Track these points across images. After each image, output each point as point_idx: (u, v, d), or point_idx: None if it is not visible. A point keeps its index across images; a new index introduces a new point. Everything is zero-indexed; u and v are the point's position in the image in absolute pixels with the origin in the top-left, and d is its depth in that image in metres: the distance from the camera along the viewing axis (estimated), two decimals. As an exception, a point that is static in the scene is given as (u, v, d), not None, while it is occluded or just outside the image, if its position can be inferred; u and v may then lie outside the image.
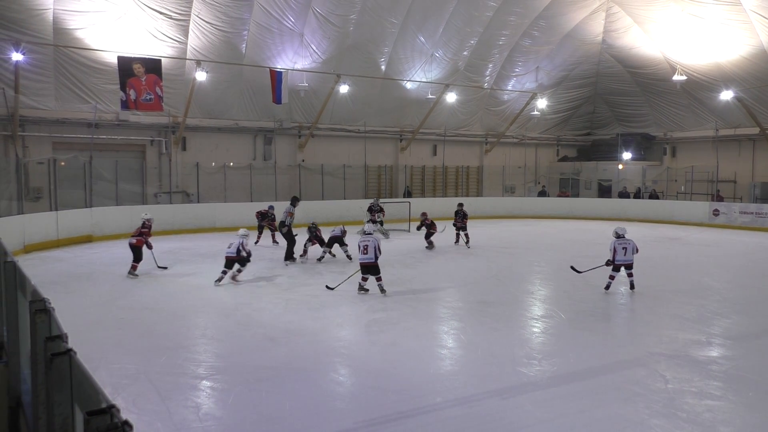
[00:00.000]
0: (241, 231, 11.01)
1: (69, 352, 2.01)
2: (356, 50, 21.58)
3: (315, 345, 7.25)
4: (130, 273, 11.35)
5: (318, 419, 5.11)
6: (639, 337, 7.82)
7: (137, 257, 11.37)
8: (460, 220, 16.42)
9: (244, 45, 19.76)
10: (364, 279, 9.83)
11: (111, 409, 1.53)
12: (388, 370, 6.36)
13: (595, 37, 24.89)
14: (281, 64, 20.41)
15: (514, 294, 10.37)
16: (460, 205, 17.09)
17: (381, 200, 19.71)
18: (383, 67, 22.65)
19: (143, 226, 11.75)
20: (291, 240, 13.25)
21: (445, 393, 5.71)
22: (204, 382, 6.04)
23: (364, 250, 9.60)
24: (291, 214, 13.55)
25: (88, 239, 16.32)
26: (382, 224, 18.62)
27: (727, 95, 22.83)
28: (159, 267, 12.15)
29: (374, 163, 25.13)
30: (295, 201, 14.15)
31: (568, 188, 29.27)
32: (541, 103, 26.27)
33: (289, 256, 13.19)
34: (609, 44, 25.14)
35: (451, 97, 24.06)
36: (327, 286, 10.15)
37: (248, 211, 20.13)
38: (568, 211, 25.33)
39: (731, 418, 5.25)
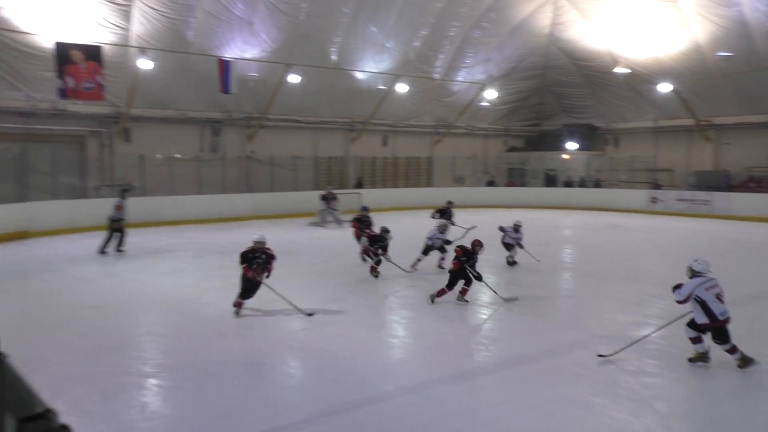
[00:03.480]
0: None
1: (0, 356, 1.94)
2: (307, 40, 21.33)
3: (266, 338, 7.21)
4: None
5: (270, 412, 5.09)
6: (582, 320, 8.10)
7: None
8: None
9: (191, 32, 19.23)
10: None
11: (47, 414, 1.47)
12: (340, 361, 6.38)
13: (543, 30, 25.40)
14: (230, 53, 19.99)
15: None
16: (450, 203, 15.42)
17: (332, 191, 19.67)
18: (334, 57, 22.50)
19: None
20: (118, 233, 12.99)
21: (397, 381, 5.78)
22: (150, 380, 5.90)
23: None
24: (119, 208, 13.04)
25: (22, 235, 15.55)
26: (333, 211, 18.69)
27: (665, 88, 23.75)
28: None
29: (325, 154, 25.01)
30: (123, 193, 13.67)
31: (516, 178, 29.95)
32: (490, 94, 26.69)
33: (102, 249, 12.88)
34: (556, 37, 25.71)
35: (402, 88, 24.14)
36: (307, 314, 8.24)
37: (197, 204, 19.79)
38: (516, 201, 25.88)
39: (665, 393, 5.54)
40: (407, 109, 26.29)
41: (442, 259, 11.07)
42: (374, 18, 21.92)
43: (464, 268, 8.58)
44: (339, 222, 18.55)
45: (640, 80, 24.87)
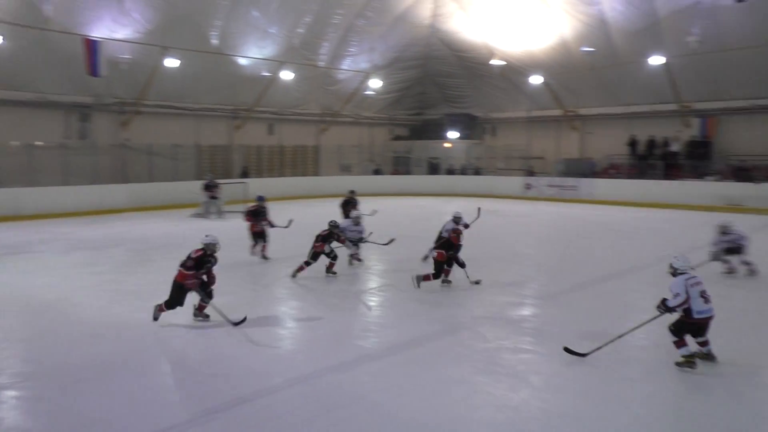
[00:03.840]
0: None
1: None
2: (185, 22, 20.15)
3: (145, 338, 6.80)
4: None
5: (149, 416, 4.81)
6: (463, 302, 8.46)
7: None
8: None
9: (48, 7, 17.48)
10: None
11: None
12: (225, 356, 6.18)
13: (424, 21, 25.98)
14: (97, 33, 18.45)
15: (352, 270, 10.61)
16: (352, 192, 14.78)
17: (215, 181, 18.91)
18: (215, 42, 21.55)
19: None
20: None
21: (285, 373, 5.71)
22: (7, 392, 5.34)
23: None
24: None
25: None
26: (216, 200, 18.04)
27: (537, 80, 25.32)
28: None
29: (208, 143, 24.01)
30: None
31: (401, 166, 30.63)
32: (375, 83, 26.98)
33: None
34: (437, 28, 26.42)
35: (287, 75, 23.71)
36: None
37: (63, 196, 18.21)
38: (402, 188, 26.51)
39: (540, 368, 5.94)
40: (293, 96, 25.88)
41: (356, 253, 10.69)
42: (256, 2, 21.25)
43: (450, 258, 9.05)
44: (220, 213, 17.92)
45: (515, 72, 26.29)
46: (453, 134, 29.91)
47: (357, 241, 10.58)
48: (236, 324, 6.95)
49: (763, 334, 7.15)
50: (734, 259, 9.70)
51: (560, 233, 15.93)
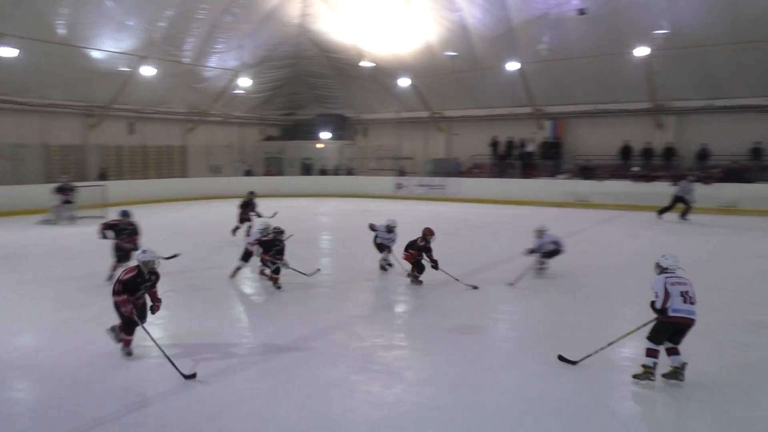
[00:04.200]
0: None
1: None
2: (23, 6, 18.13)
3: (-16, 362, 6.05)
4: None
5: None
6: (339, 303, 8.49)
7: None
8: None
9: None
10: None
11: None
12: (86, 374, 5.68)
13: (293, 20, 25.75)
14: None
15: (218, 276, 10.22)
16: (252, 193, 14.38)
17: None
18: (62, 32, 19.67)
19: None
20: None
21: (155, 386, 5.38)
22: None
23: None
24: None
25: None
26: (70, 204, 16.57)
27: (405, 82, 26.12)
28: None
29: (58, 142, 21.96)
30: None
31: (274, 167, 30.16)
32: (245, 82, 26.27)
33: None
34: (306, 28, 26.30)
35: (148, 71, 22.31)
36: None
37: None
38: (275, 190, 26.02)
39: (413, 363, 6.13)
40: (156, 94, 24.43)
41: (386, 259, 10.12)
42: (110, -9, 19.75)
43: (419, 260, 9.08)
44: (72, 219, 16.47)
45: (384, 74, 26.92)
46: (325, 135, 29.99)
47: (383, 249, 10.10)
48: (187, 377, 5.53)
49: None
50: (550, 261, 9.96)
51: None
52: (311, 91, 30.51)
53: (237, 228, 14.03)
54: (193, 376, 5.50)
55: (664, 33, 19.01)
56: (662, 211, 17.33)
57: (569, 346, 6.19)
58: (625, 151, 22.83)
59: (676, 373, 5.36)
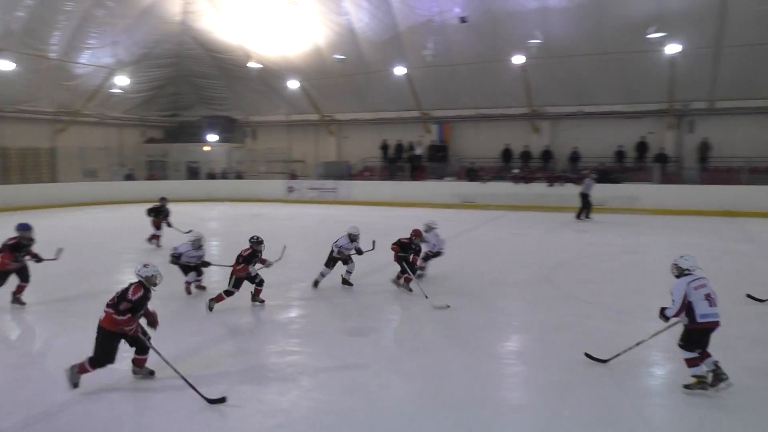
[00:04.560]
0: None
1: None
2: None
3: None
4: None
5: None
6: (221, 313, 8.03)
7: None
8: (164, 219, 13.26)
9: None
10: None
11: None
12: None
13: (174, 17, 24.59)
14: None
15: (99, 286, 9.48)
16: (163, 199, 13.65)
17: None
18: None
19: None
20: None
21: (30, 406, 4.87)
22: None
23: None
24: None
25: None
26: None
27: (294, 85, 25.84)
28: None
29: None
30: None
31: (157, 171, 28.58)
32: (122, 81, 24.66)
33: None
34: (188, 26, 25.22)
35: (6, 65, 20.29)
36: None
37: None
38: (158, 195, 24.62)
39: (306, 369, 6.01)
40: (17, 91, 22.30)
41: (198, 280, 8.97)
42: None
43: (402, 262, 8.68)
44: None
45: (273, 76, 26.47)
46: (212, 137, 28.92)
47: (195, 268, 8.85)
48: (217, 401, 5.07)
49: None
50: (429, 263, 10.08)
51: (323, 234, 16.42)
52: (196, 92, 29.31)
53: (155, 237, 13.32)
54: (221, 400, 5.02)
55: (537, 43, 20.30)
56: (580, 212, 18.25)
57: (460, 347, 6.38)
58: (506, 154, 24.14)
59: (719, 375, 5.07)
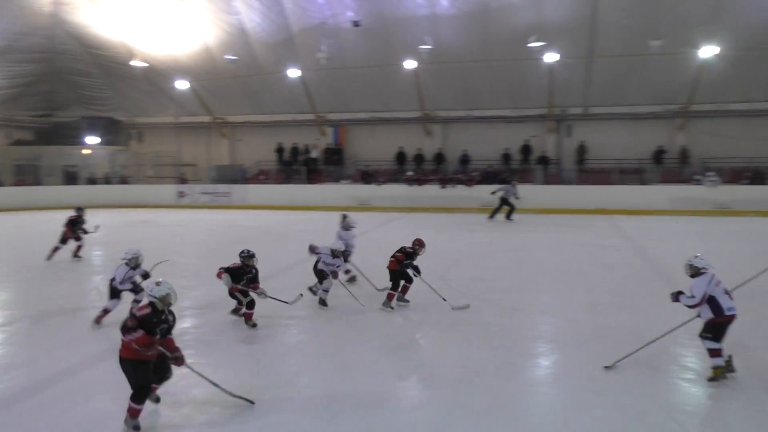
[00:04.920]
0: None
1: None
2: None
3: None
4: None
5: None
6: (106, 329, 7.56)
7: None
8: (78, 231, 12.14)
9: None
10: None
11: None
12: None
13: (44, 8, 22.67)
14: None
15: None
16: (79, 209, 12.48)
17: None
18: None
19: None
20: None
21: None
22: None
23: None
24: None
25: None
26: None
27: (183, 85, 24.78)
28: None
29: None
30: None
31: (28, 176, 26.24)
32: (-20, 76, 22.44)
33: None
34: (61, 18, 23.37)
35: None
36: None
37: None
38: (30, 202, 22.79)
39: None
40: None
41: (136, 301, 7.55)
42: None
43: (404, 269, 8.10)
44: None
45: (159, 76, 25.24)
46: (93, 139, 27.03)
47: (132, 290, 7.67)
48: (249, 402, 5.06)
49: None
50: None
51: (218, 239, 15.93)
52: (74, 91, 27.22)
53: (56, 249, 12.08)
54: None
55: (428, 48, 20.92)
56: (494, 213, 18.83)
57: (361, 346, 6.42)
58: (400, 157, 24.65)
59: (729, 365, 5.44)
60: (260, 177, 26.24)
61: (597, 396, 5.24)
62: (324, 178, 25.17)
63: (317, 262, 8.43)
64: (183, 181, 25.93)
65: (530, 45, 19.88)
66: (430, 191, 22.50)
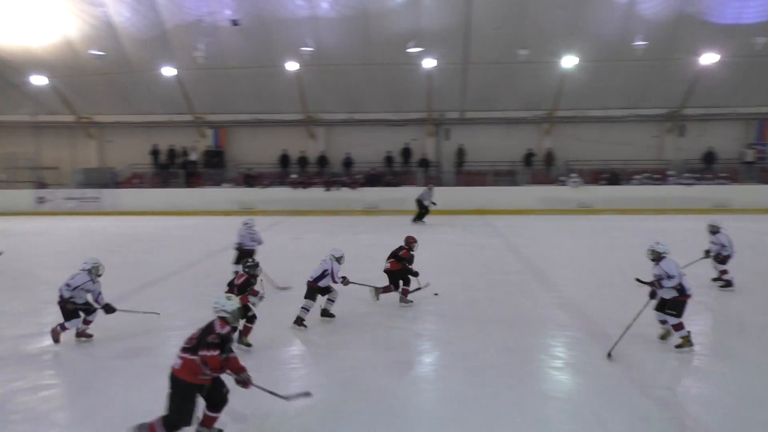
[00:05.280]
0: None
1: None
2: None
3: None
4: None
5: None
6: None
7: None
8: None
9: None
10: None
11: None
12: None
13: None
14: None
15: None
16: None
17: None
18: None
19: None
20: None
21: None
22: None
23: None
24: None
25: None
26: None
27: (40, 81, 22.66)
28: None
29: None
30: None
31: None
32: None
33: None
34: None
35: None
36: None
37: None
38: None
39: (64, 403, 5.28)
40: None
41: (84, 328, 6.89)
42: None
43: (404, 269, 8.37)
44: None
45: (11, 70, 22.91)
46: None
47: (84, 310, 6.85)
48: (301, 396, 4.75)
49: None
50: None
51: (84, 248, 14.71)
52: None
53: None
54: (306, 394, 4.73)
55: (310, 50, 20.81)
56: (417, 218, 18.74)
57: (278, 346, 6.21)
58: (284, 160, 24.31)
59: (688, 340, 6.18)
60: (134, 181, 24.66)
61: (477, 389, 5.47)
62: (204, 181, 24.17)
63: (318, 279, 7.69)
64: (42, 185, 23.72)
65: (409, 50, 20.43)
66: (315, 194, 22.41)
